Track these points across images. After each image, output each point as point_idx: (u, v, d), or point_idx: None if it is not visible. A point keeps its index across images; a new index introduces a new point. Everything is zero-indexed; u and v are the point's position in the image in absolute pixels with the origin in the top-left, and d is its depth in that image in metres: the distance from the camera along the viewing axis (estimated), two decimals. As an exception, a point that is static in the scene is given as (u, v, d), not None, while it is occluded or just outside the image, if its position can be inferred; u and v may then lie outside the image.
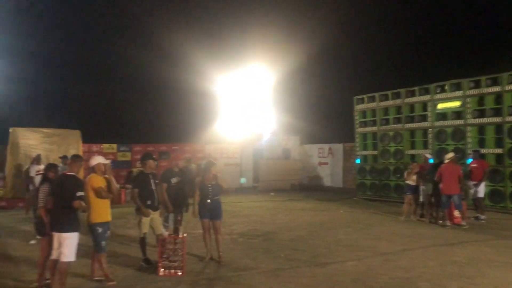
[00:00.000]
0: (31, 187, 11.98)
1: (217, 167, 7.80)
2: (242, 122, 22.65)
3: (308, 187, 21.34)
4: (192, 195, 7.94)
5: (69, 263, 5.73)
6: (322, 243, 8.88)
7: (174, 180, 8.45)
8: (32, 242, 8.75)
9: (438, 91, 14.52)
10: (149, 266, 7.05)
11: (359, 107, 17.21)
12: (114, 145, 17.93)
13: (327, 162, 21.89)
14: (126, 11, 24.14)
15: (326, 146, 22.02)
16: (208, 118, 22.32)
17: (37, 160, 12.36)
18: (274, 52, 21.86)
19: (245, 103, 22.90)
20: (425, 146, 14.79)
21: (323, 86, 23.91)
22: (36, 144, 14.84)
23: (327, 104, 24.28)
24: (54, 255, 5.84)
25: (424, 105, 14.96)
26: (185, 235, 7.25)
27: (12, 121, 15.84)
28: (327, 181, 21.83)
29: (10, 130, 14.75)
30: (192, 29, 23.72)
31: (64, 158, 12.39)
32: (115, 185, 6.57)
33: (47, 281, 6.10)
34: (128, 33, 23.15)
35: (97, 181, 6.30)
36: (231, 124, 22.42)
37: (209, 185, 7.45)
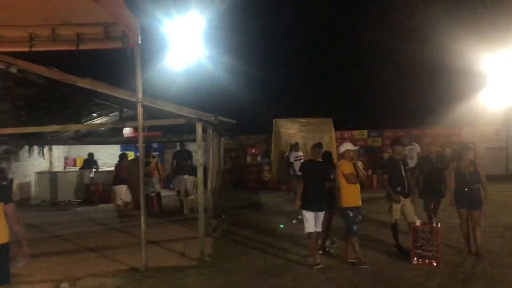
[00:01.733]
0: (291, 172, 13.31)
1: (474, 152, 7.05)
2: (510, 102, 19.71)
3: None
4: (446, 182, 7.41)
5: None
6: None
7: (426, 167, 8.08)
8: (294, 221, 9.69)
9: None
10: (402, 253, 6.93)
11: None
12: (365, 131, 18.18)
13: None
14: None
15: None
16: (465, 99, 20.31)
17: (295, 147, 13.59)
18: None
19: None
20: None
21: None
22: (294, 133, 16.36)
23: None
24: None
25: None
26: (439, 224, 6.83)
27: (277, 113, 17.76)
28: None
29: (274, 121, 16.65)
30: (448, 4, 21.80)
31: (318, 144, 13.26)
32: (362, 171, 6.69)
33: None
34: (377, 16, 22.91)
35: (347, 167, 6.53)
36: (496, 105, 19.77)
37: (467, 172, 6.81)
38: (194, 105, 12.63)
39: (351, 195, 6.53)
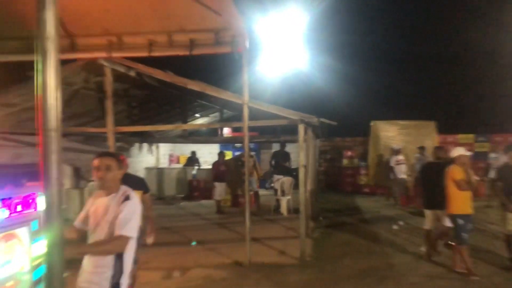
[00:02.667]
0: (391, 176, 12.94)
1: None
2: None
3: None
4: None
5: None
6: None
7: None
8: (395, 227, 9.42)
9: None
10: (517, 268, 6.45)
11: None
12: (471, 135, 17.05)
13: None
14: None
15: None
16: None
17: (396, 151, 13.17)
18: None
19: None
20: None
21: None
22: (393, 136, 15.80)
23: None
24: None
25: None
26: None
27: (373, 115, 17.35)
28: None
29: (371, 123, 16.25)
30: None
31: (421, 148, 12.73)
32: (473, 177, 6.33)
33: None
34: (487, 16, 21.44)
35: (458, 172, 6.23)
36: None
37: None
38: (289, 106, 12.83)
39: (461, 202, 6.22)
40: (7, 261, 4.27)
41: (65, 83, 8.51)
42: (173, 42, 6.71)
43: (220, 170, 12.09)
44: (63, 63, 7.60)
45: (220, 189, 11.98)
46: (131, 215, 2.91)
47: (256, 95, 16.95)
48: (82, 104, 10.24)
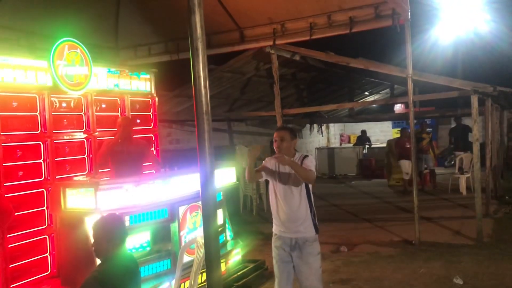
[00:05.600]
0: None
1: None
2: None
3: None
4: None
5: None
6: None
7: None
8: None
9: None
10: None
11: None
12: None
13: None
14: None
15: None
16: None
17: None
18: None
19: None
20: None
21: None
22: None
23: None
24: None
25: None
26: None
27: None
28: None
29: None
30: None
31: None
32: None
33: None
34: None
35: None
36: None
37: None
38: (470, 77, 11.66)
39: None
40: (194, 228, 5.06)
41: (238, 72, 9.37)
42: (332, 22, 6.85)
43: (405, 147, 11.47)
44: (235, 54, 8.41)
45: (407, 167, 11.34)
46: (312, 163, 3.75)
47: (427, 66, 15.93)
48: (256, 90, 11.13)
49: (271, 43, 7.29)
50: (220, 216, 5.51)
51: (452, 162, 13.41)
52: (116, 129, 5.60)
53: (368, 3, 6.37)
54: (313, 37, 7.08)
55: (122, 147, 5.41)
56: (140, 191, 4.21)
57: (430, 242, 6.65)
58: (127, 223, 4.13)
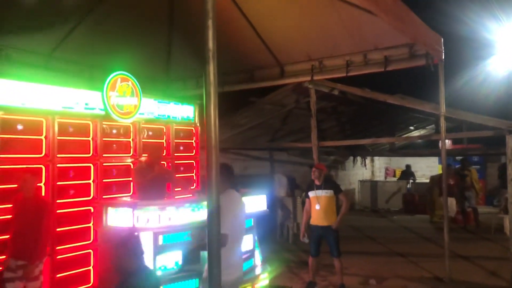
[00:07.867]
0: None
1: None
2: None
3: None
4: None
5: None
6: None
7: None
8: None
9: None
10: None
11: None
12: None
13: None
14: None
15: None
16: None
17: None
18: None
19: None
20: None
21: None
22: None
23: None
24: None
25: None
26: None
27: None
28: None
29: None
30: None
31: None
32: None
33: None
34: None
35: None
36: None
37: None
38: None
39: None
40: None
41: (279, 104, 9.77)
42: (368, 61, 7.14)
43: (449, 184, 11.37)
44: (276, 88, 8.85)
45: (450, 204, 11.24)
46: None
47: (479, 100, 15.62)
48: (297, 121, 11.46)
49: (309, 78, 7.64)
50: (250, 241, 5.81)
51: (496, 202, 13.02)
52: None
53: (403, 42, 6.61)
54: (350, 74, 7.35)
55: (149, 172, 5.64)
56: (174, 213, 4.63)
57: (461, 281, 6.60)
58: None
